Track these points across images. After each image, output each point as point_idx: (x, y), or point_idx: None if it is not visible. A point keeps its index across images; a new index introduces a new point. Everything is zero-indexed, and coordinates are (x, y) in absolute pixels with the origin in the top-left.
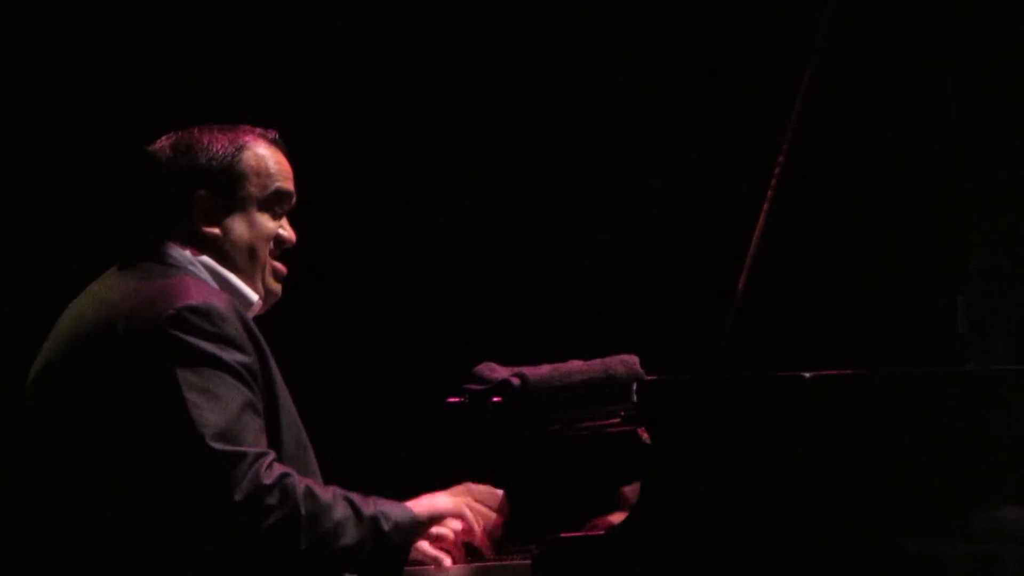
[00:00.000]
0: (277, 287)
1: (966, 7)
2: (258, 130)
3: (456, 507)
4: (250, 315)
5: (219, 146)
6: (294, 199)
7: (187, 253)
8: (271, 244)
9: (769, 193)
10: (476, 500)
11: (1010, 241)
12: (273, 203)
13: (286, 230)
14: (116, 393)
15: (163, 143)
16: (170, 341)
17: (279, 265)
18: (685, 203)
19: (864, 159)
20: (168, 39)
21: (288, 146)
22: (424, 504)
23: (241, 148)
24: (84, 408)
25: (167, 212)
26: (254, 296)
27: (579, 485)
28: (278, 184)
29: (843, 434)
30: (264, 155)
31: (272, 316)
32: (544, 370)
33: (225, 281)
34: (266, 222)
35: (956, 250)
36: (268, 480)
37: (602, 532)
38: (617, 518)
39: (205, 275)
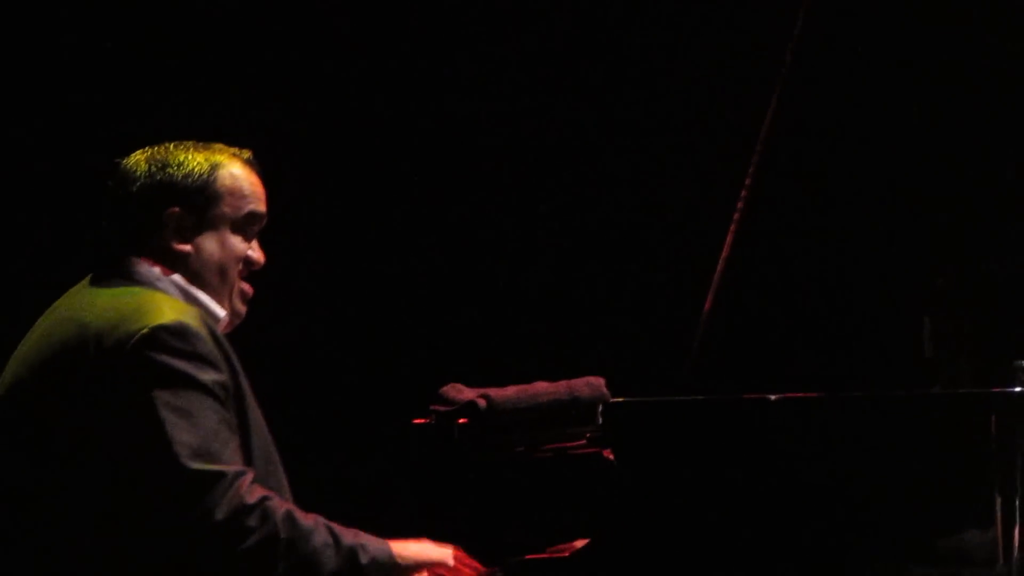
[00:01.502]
0: (242, 308)
1: (933, 37)
2: (233, 149)
3: (442, 558)
4: None
5: (194, 164)
6: (265, 221)
7: (155, 270)
8: (240, 265)
9: (735, 215)
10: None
11: (975, 264)
12: (245, 225)
13: (256, 252)
14: (91, 414)
15: (138, 157)
16: (144, 361)
17: (246, 286)
18: (651, 225)
19: (830, 182)
20: (145, 49)
21: (261, 166)
22: (412, 549)
23: (216, 167)
24: (57, 429)
25: (139, 227)
26: (221, 312)
27: (544, 506)
28: (252, 207)
29: (808, 457)
30: (239, 175)
31: (239, 334)
32: (510, 391)
33: (193, 298)
34: (237, 243)
35: (922, 274)
36: (250, 500)
37: (567, 554)
38: (581, 540)
39: (174, 291)
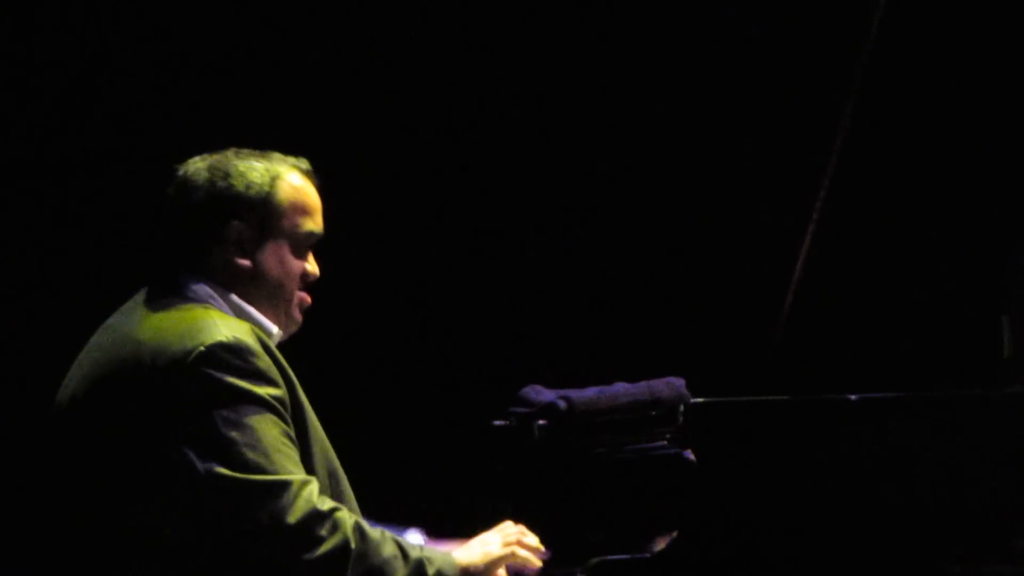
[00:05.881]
0: (299, 317)
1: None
2: (291, 159)
3: (507, 550)
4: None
5: (256, 175)
6: (322, 236)
7: (206, 288)
8: (298, 279)
9: (814, 214)
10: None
11: None
12: (304, 241)
13: (312, 266)
14: (150, 432)
15: (197, 165)
16: (203, 379)
17: (305, 296)
18: (731, 225)
19: (908, 181)
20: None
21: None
22: (476, 552)
23: (276, 178)
24: (117, 447)
25: (199, 240)
26: (274, 329)
27: (625, 507)
28: (311, 225)
29: (888, 455)
30: (300, 188)
31: (319, 336)
32: (590, 393)
33: (247, 315)
34: (296, 259)
35: (1001, 272)
36: (323, 508)
37: (648, 555)
38: (663, 541)
39: (227, 309)
